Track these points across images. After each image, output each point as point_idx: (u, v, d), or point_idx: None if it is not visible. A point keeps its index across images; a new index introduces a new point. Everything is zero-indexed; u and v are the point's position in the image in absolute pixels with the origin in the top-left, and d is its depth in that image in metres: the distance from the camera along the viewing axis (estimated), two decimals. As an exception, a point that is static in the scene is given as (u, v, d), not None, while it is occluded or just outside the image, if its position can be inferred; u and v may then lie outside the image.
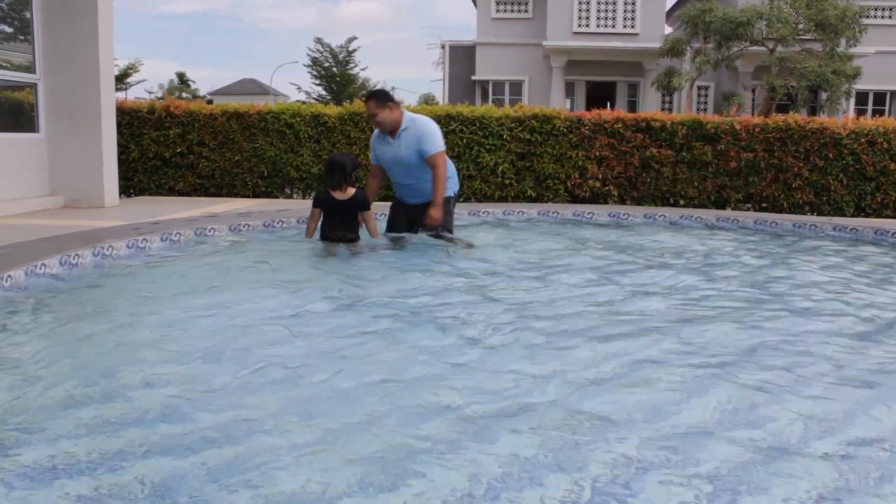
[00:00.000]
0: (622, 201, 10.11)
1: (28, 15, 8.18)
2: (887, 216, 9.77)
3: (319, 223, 5.56)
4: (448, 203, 5.65)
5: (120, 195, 9.14)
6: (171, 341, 3.34)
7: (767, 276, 5.24)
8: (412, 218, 5.73)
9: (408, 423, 2.43)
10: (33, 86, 8.31)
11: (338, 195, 5.42)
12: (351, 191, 5.45)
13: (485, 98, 25.82)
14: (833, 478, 2.13)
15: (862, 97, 24.40)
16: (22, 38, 8.31)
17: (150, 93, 50.69)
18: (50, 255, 4.63)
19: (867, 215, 9.87)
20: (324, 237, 5.53)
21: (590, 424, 2.46)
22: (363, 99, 5.86)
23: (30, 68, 8.26)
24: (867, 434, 2.47)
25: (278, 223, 6.74)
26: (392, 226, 5.90)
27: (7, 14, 8.39)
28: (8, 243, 5.17)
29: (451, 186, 5.71)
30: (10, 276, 4.13)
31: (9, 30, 8.53)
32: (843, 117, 10.66)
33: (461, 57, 26.83)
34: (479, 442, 2.30)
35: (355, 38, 63.57)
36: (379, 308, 3.99)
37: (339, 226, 5.48)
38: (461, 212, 8.09)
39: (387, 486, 2.01)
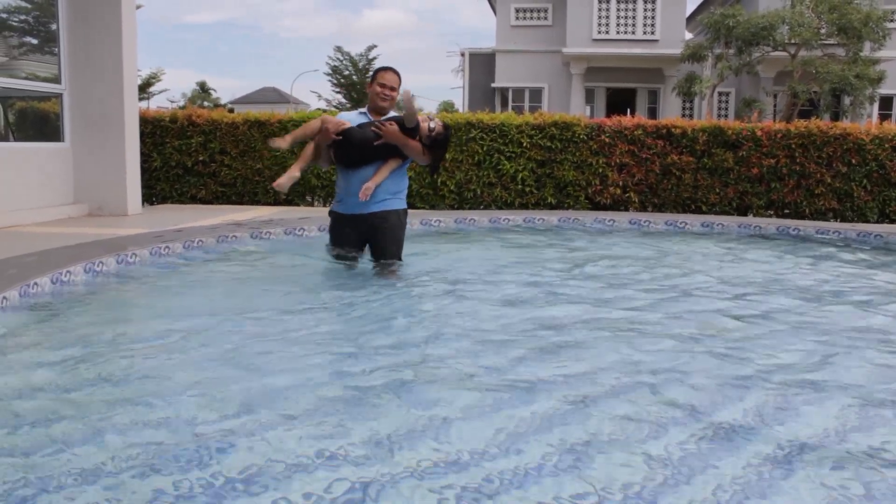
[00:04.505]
0: (643, 208, 10.06)
1: (54, 27, 8.32)
2: (913, 222, 9.63)
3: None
4: (399, 216, 4.89)
5: (143, 203, 9.25)
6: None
7: None
8: (361, 231, 4.86)
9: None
10: (59, 96, 8.44)
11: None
12: None
13: (504, 105, 25.85)
14: None
15: (886, 102, 24.10)
16: (48, 49, 8.44)
17: (173, 102, 51.43)
18: (74, 262, 4.69)
19: (892, 222, 9.73)
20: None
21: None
22: (385, 70, 4.74)
23: (55, 79, 8.39)
24: None
25: (299, 231, 6.78)
26: (339, 241, 4.96)
27: (34, 26, 8.54)
28: (33, 251, 5.25)
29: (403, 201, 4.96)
30: (36, 283, 4.19)
31: (35, 41, 8.68)
32: (866, 122, 10.52)
33: (481, 64, 26.90)
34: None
35: (375, 46, 64.08)
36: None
37: None
38: (481, 218, 8.09)
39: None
